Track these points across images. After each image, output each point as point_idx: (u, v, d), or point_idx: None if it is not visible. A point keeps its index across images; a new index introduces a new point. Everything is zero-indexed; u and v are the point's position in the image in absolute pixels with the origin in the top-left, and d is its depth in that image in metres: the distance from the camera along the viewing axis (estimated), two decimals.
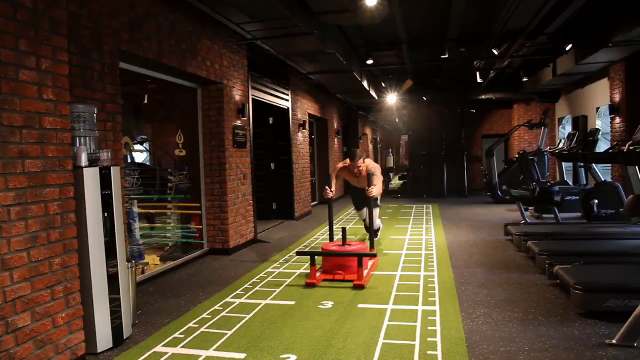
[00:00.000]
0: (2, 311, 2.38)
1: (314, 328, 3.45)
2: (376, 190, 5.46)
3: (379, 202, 6.29)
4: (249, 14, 5.33)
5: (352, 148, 7.51)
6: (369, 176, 5.45)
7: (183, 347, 3.18)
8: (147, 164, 9.16)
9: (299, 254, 5.06)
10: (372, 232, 5.63)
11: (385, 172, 15.53)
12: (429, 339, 3.16)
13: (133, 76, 5.04)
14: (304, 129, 10.13)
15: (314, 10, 5.83)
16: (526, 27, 7.10)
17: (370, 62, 9.04)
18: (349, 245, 5.02)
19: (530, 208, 8.83)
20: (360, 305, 3.92)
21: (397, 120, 20.15)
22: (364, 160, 5.89)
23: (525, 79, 11.30)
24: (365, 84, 10.53)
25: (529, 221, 7.52)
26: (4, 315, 2.39)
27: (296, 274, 5.05)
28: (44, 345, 2.64)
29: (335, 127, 13.44)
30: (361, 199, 6.00)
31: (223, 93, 6.21)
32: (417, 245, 6.42)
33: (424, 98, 13.47)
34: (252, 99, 7.29)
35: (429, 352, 2.96)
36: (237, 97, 6.62)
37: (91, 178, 3.08)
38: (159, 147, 8.37)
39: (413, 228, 7.89)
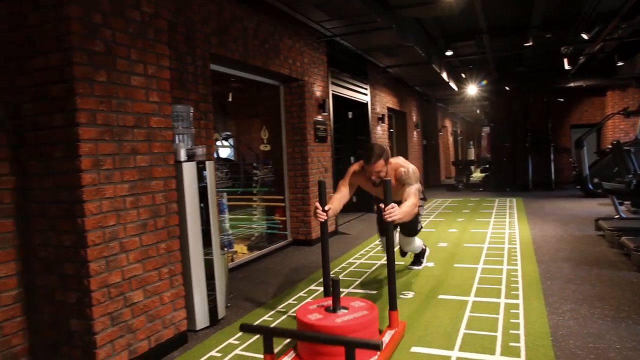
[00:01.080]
0: (121, 287, 2.72)
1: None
2: (400, 211, 3.03)
3: (420, 216, 4.25)
4: (328, 12, 5.50)
5: (370, 143, 4.70)
6: (387, 184, 3.07)
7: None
8: (232, 158, 9.65)
9: (242, 329, 2.60)
10: (392, 278, 3.15)
11: (466, 165, 15.17)
12: (511, 331, 3.16)
13: (218, 75, 5.37)
14: (383, 122, 10.18)
15: (392, 5, 5.89)
16: (621, 7, 6.68)
17: (449, 53, 8.89)
18: (346, 310, 2.90)
19: (625, 202, 8.29)
20: (440, 296, 3.97)
21: (477, 112, 19.59)
22: (386, 161, 3.61)
23: (620, 63, 10.56)
24: (444, 75, 10.37)
25: (623, 215, 7.08)
26: (122, 290, 2.73)
27: (377, 265, 5.17)
28: (154, 320, 2.97)
29: (414, 119, 13.34)
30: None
31: (304, 89, 6.43)
32: (500, 238, 6.29)
33: (506, 88, 12.99)
34: (332, 94, 7.47)
35: (511, 344, 2.96)
36: (318, 93, 6.82)
37: (189, 171, 3.39)
38: (243, 143, 8.80)
39: (495, 221, 7.71)
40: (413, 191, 3.51)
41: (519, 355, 2.81)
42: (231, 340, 3.23)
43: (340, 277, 4.76)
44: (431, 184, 15.67)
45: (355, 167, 3.93)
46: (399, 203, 3.28)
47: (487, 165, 14.53)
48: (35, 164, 2.69)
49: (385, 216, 2.97)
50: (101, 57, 2.67)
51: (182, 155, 3.39)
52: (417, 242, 4.68)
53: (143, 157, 2.94)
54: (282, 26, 5.86)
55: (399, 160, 3.90)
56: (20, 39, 2.66)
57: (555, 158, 13.38)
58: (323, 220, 3.30)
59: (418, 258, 5.03)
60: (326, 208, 3.29)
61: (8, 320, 2.65)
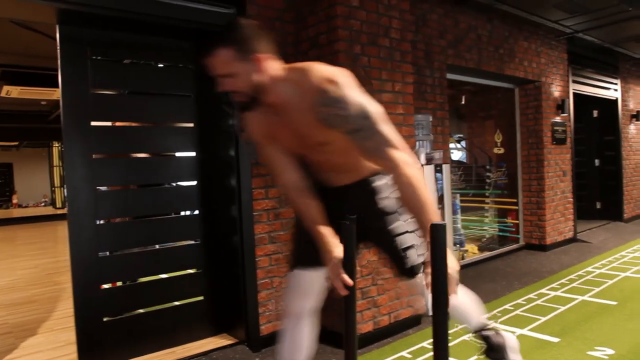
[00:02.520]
0: (370, 267, 3.33)
1: (638, 329, 3.38)
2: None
3: (417, 247, 1.83)
4: (568, 10, 5.31)
5: None
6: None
7: (499, 323, 3.63)
8: (464, 160, 9.84)
9: None
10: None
11: None
12: None
13: (452, 80, 5.68)
14: (638, 120, 9.02)
15: None
16: None
17: None
18: None
19: None
20: None
21: None
22: (245, 54, 1.57)
23: None
24: None
25: None
26: (370, 271, 3.33)
27: (620, 277, 4.81)
28: (395, 299, 3.50)
29: None
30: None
31: (541, 91, 6.28)
32: None
33: None
34: (573, 92, 7.05)
35: None
36: (556, 93, 6.56)
37: (428, 173, 3.84)
38: (475, 145, 8.91)
39: None
40: (380, 132, 1.58)
41: None
42: (458, 329, 3.56)
43: (575, 284, 4.61)
44: None
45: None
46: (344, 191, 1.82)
47: None
48: None
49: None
50: (360, 80, 3.29)
51: (422, 159, 3.86)
52: (466, 302, 2.06)
53: None
54: (517, 29, 5.86)
55: (313, 65, 1.63)
56: None
57: None
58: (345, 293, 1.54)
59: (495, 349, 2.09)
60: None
61: None
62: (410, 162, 1.53)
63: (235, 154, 3.29)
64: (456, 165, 7.38)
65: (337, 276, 1.56)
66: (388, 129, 1.58)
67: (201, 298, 3.51)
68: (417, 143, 3.96)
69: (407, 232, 1.82)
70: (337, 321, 3.30)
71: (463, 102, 9.16)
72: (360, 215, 1.62)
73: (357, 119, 1.57)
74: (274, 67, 1.64)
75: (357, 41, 3.30)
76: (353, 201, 1.81)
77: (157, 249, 3.44)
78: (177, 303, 3.43)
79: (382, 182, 1.82)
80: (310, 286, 1.94)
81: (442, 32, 4.88)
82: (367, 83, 1.68)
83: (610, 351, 3.04)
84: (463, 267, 5.36)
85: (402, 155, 1.54)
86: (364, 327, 3.31)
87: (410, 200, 1.50)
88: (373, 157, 1.59)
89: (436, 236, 1.42)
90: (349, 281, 1.51)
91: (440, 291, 1.40)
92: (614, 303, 3.98)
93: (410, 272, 1.84)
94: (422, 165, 3.83)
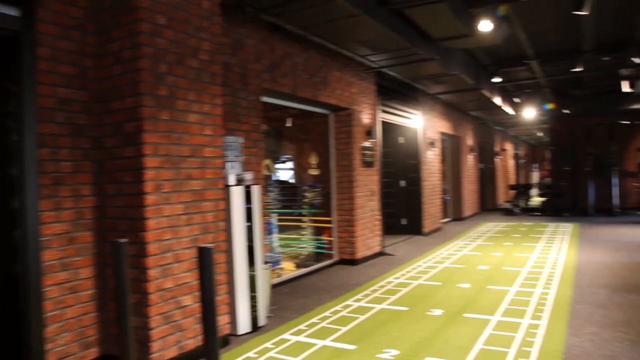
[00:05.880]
0: (173, 292, 3.24)
1: (420, 330, 3.84)
2: None
3: None
4: (371, 47, 5.94)
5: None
6: None
7: (305, 336, 3.81)
8: (292, 181, 10.23)
9: None
10: None
11: (524, 189, 14.91)
12: (524, 348, 3.37)
13: (276, 104, 5.92)
14: (434, 147, 10.40)
15: (434, 38, 6.24)
16: None
17: (497, 79, 9.05)
18: None
19: None
20: (466, 315, 4.20)
21: (541, 134, 19.19)
22: None
23: None
24: (497, 100, 10.47)
25: None
26: (174, 295, 3.25)
27: (414, 285, 5.43)
28: (200, 322, 3.45)
29: (469, 143, 13.39)
30: None
31: (352, 117, 6.87)
32: (541, 263, 6.35)
33: (564, 111, 12.80)
34: (381, 120, 7.85)
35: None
36: (366, 120, 7.23)
37: (237, 194, 3.90)
38: (300, 166, 9.35)
39: (543, 247, 7.70)
40: None
41: None
42: (267, 345, 3.65)
43: (377, 294, 5.08)
44: (487, 207, 15.51)
45: None
46: None
47: (547, 190, 14.23)
48: (111, 186, 3.29)
49: None
50: (165, 99, 3.24)
51: (231, 180, 3.91)
52: None
53: (197, 182, 3.47)
54: (331, 60, 6.35)
55: None
56: (107, 86, 3.29)
57: (621, 183, 12.94)
58: None
59: None
60: None
61: (85, 314, 3.23)
62: None
63: (20, 173, 2.96)
64: (279, 185, 7.63)
65: None
66: None
67: None
68: (228, 164, 4.00)
69: None
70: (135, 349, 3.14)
71: (290, 125, 9.56)
72: None
73: None
74: None
75: (162, 60, 3.24)
76: None
77: None
78: None
79: None
80: None
81: (259, 56, 5.06)
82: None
83: (395, 352, 3.41)
84: (278, 285, 5.54)
85: None
86: (168, 352, 3.20)
87: None
88: None
89: (202, 259, 1.44)
90: None
91: (210, 313, 1.42)
92: (406, 308, 4.48)
93: None
94: (232, 185, 3.88)
